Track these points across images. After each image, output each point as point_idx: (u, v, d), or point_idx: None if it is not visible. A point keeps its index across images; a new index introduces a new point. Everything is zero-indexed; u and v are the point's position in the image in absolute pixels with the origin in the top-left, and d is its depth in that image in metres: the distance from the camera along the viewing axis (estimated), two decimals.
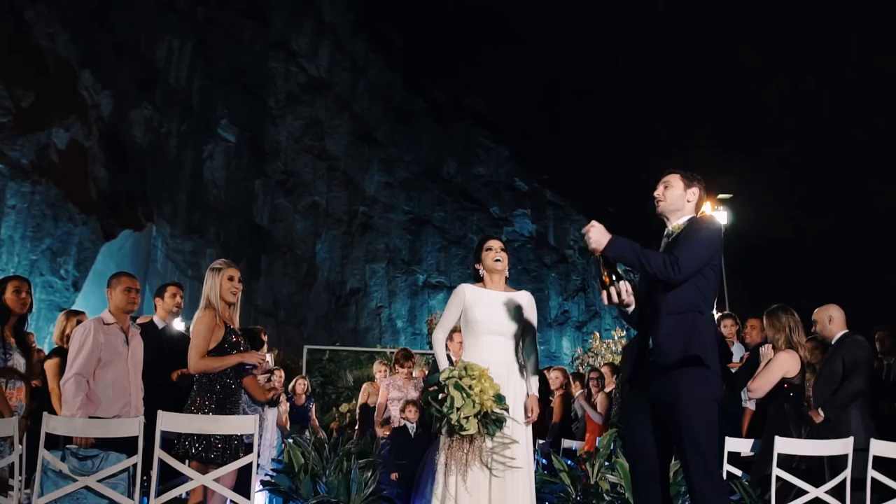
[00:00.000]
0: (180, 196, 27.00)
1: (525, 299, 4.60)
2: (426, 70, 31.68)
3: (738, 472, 5.32)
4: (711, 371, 3.64)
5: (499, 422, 4.11)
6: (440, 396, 4.15)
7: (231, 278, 5.19)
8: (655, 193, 4.04)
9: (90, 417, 4.84)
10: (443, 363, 4.45)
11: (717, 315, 11.13)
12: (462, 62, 30.65)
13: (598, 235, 3.60)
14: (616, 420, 7.49)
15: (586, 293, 32.69)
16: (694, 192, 3.97)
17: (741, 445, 5.60)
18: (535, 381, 4.50)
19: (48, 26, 23.55)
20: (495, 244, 4.70)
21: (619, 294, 3.62)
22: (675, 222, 3.95)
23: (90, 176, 24.16)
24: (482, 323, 4.44)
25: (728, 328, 7.85)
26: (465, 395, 4.04)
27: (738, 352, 7.56)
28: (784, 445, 4.82)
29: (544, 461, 8.22)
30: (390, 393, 8.57)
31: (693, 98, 29.26)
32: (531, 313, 4.58)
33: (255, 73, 29.63)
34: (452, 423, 4.06)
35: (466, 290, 4.58)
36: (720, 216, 21.04)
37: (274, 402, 9.02)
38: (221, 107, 28.53)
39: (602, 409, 8.55)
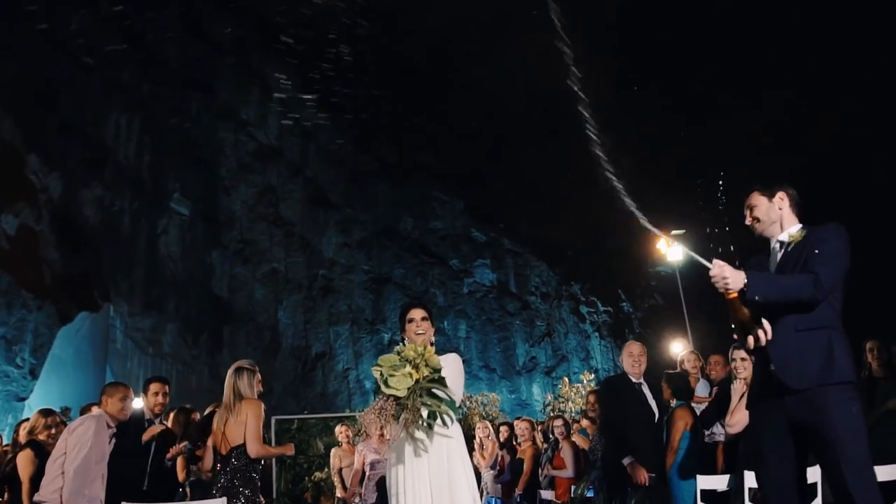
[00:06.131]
0: (136, 273, 26.65)
1: (450, 360, 4.63)
2: (376, 129, 31.95)
3: None
4: (854, 387, 3.48)
5: (433, 395, 4.16)
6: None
7: (259, 381, 5.68)
8: (746, 222, 3.90)
9: None
10: None
11: (681, 351, 11.24)
12: (412, 118, 30.99)
13: (734, 276, 3.40)
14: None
15: (552, 338, 32.75)
16: (780, 197, 3.85)
17: (716, 482, 5.62)
18: None
19: None
20: (417, 314, 4.70)
21: (765, 334, 3.41)
22: (790, 231, 3.77)
23: (43, 260, 23.80)
24: None
25: (691, 364, 7.92)
26: (400, 357, 4.19)
27: (703, 388, 7.62)
28: (755, 479, 4.84)
29: None
30: (367, 458, 8.49)
31: (642, 136, 29.82)
32: (456, 372, 4.62)
33: (205, 145, 29.61)
34: (385, 375, 4.14)
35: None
36: (674, 252, 21.38)
37: None
38: (173, 180, 28.41)
39: (569, 459, 8.51)
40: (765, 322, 3.42)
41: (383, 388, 4.09)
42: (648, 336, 30.24)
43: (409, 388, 4.09)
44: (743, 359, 5.58)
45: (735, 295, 3.38)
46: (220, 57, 30.31)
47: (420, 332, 4.60)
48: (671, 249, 21.55)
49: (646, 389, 6.50)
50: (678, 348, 20.28)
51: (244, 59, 31.16)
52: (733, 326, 3.49)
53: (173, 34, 29.53)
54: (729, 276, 3.38)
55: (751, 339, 3.43)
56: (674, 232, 21.60)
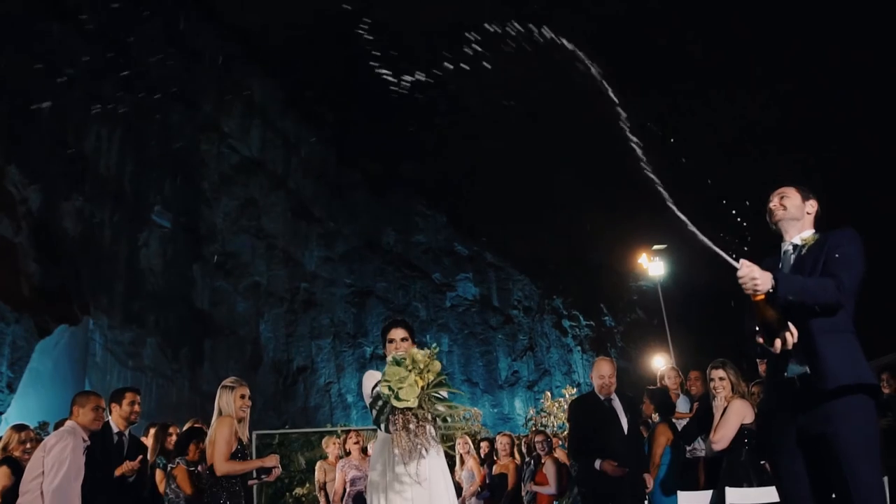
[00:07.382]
0: (116, 286, 26.40)
1: None
2: (359, 142, 31.92)
3: None
4: (877, 391, 3.42)
5: (440, 397, 4.08)
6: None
7: (243, 396, 5.64)
8: (771, 205, 3.86)
9: None
10: None
11: (662, 367, 11.28)
12: (393, 132, 30.97)
13: (763, 277, 3.30)
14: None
15: (534, 352, 32.78)
16: (812, 204, 3.82)
17: (698, 498, 5.61)
18: None
19: None
20: (397, 334, 4.71)
21: (792, 336, 3.30)
22: (802, 234, 3.76)
23: (21, 272, 23.53)
24: None
25: (672, 380, 7.93)
26: (406, 367, 4.04)
27: (683, 403, 7.63)
28: (735, 496, 4.84)
29: None
30: (348, 474, 8.43)
31: (621, 149, 29.96)
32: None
33: (187, 157, 29.45)
34: (394, 389, 4.00)
35: (377, 375, 4.61)
36: (655, 267, 21.49)
37: None
38: (154, 193, 28.22)
39: (551, 476, 8.47)
40: (790, 325, 3.33)
41: (394, 402, 3.99)
42: (630, 350, 30.36)
43: (417, 397, 4.01)
44: (721, 378, 5.55)
45: (762, 297, 3.30)
46: (202, 69, 30.21)
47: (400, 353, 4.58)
48: (652, 265, 21.67)
49: (617, 405, 6.47)
50: (659, 363, 20.35)
51: (227, 71, 31.09)
52: (757, 329, 3.40)
53: (156, 46, 29.42)
54: (759, 277, 3.29)
55: (778, 343, 3.33)
56: (654, 247, 21.71)
